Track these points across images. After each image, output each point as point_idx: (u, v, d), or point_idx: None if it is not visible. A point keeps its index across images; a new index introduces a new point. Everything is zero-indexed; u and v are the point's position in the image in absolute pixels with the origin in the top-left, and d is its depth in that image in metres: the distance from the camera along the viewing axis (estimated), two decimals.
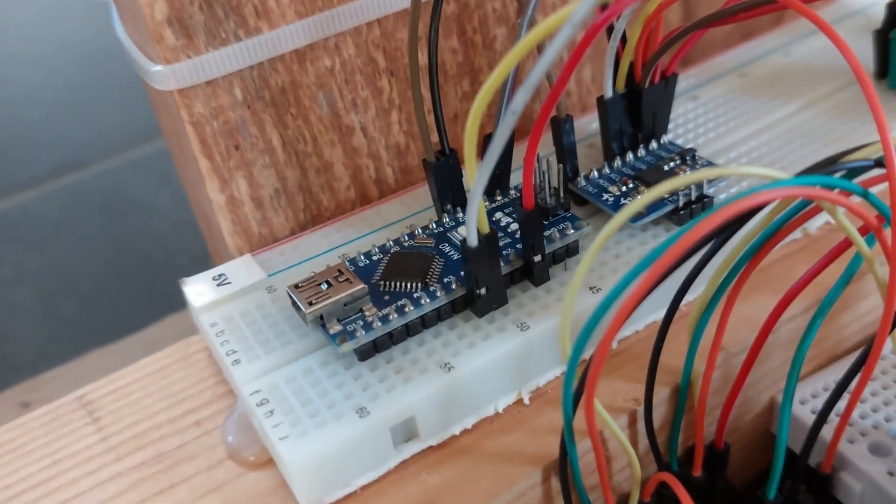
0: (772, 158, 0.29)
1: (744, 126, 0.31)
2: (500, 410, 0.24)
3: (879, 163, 0.19)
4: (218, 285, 0.27)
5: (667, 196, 0.26)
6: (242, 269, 0.27)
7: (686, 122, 0.32)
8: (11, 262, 0.69)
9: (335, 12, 0.26)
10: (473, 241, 0.22)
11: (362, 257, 0.25)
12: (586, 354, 0.24)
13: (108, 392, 0.27)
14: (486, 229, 0.22)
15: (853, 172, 0.19)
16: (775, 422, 0.28)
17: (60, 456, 0.25)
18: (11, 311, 0.65)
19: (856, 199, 0.19)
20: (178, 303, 0.29)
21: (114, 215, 0.74)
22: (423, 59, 0.27)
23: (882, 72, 0.32)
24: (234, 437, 0.24)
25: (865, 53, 0.32)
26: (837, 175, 0.19)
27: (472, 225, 0.22)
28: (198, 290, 0.26)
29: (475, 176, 0.20)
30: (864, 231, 0.20)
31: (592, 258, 0.19)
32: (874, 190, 0.19)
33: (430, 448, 0.23)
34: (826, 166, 0.19)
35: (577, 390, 0.20)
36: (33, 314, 0.64)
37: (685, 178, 0.18)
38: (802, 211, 0.20)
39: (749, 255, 0.21)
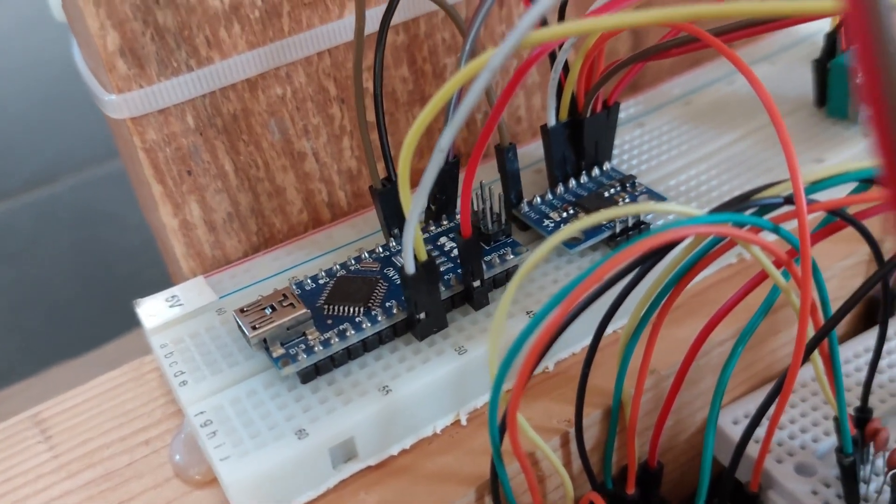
0: (709, 187, 0.30)
1: (686, 154, 0.32)
2: (438, 431, 0.25)
3: (789, 200, 0.20)
4: (170, 307, 0.27)
5: (605, 223, 0.27)
6: (194, 291, 0.28)
7: (631, 149, 0.33)
8: None
9: (286, 43, 0.27)
10: (411, 269, 0.23)
11: (309, 281, 0.26)
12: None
13: (61, 411, 0.27)
14: (423, 257, 0.23)
15: (765, 209, 0.20)
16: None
17: (12, 474, 0.25)
18: None
19: (769, 235, 0.20)
20: None
21: (85, 229, 0.74)
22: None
23: (821, 100, 0.33)
24: (180, 457, 0.25)
25: (807, 81, 0.34)
26: (749, 212, 0.20)
27: (409, 253, 0.23)
28: (151, 311, 0.27)
29: (409, 208, 0.21)
30: (780, 264, 0.22)
31: (516, 286, 0.19)
32: (787, 225, 0.20)
33: (369, 468, 0.24)
34: (738, 203, 0.20)
35: (504, 413, 0.21)
36: (2, 327, 0.65)
37: (598, 216, 0.19)
38: (721, 243, 0.21)
39: (672, 284, 0.22)
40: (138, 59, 0.25)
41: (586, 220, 0.19)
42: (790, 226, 0.20)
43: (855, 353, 0.30)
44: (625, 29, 0.26)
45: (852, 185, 0.21)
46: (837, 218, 0.21)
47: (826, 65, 0.32)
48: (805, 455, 0.27)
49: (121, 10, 0.24)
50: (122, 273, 0.68)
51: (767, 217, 0.20)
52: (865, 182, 0.21)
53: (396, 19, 0.29)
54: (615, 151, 0.32)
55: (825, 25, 0.34)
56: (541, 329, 0.18)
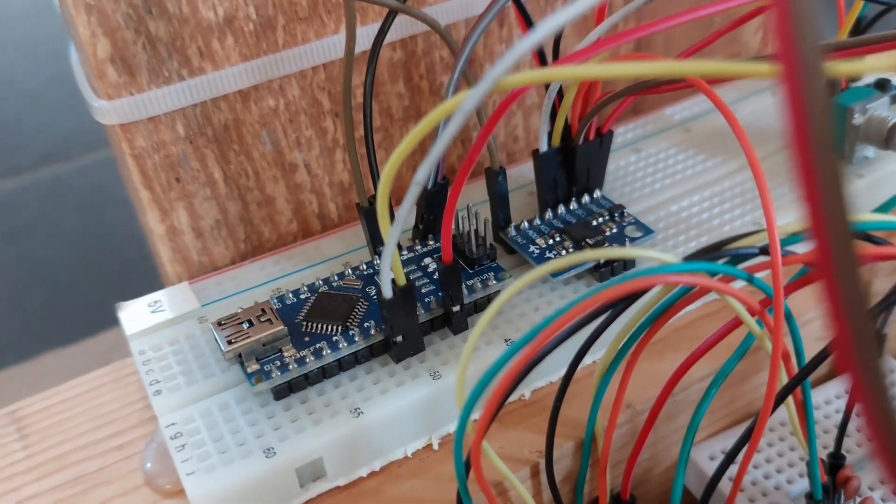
0: (700, 220, 0.30)
1: (680, 183, 0.32)
2: (409, 455, 0.25)
3: (765, 250, 0.20)
4: (152, 312, 0.27)
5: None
6: (178, 298, 0.28)
7: (625, 175, 0.32)
8: None
9: (280, 56, 0.27)
10: (388, 294, 0.23)
11: (291, 295, 0.26)
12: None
13: (40, 409, 0.28)
14: (402, 282, 0.23)
15: (739, 258, 0.20)
16: (687, 475, 0.29)
17: None
18: None
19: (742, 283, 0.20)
20: None
21: (92, 210, 0.75)
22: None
23: None
24: (151, 465, 0.25)
25: None
26: (724, 260, 0.20)
27: (386, 279, 0.23)
28: (132, 315, 0.27)
29: (387, 234, 0.21)
30: (753, 312, 0.21)
31: (486, 323, 0.20)
32: (763, 272, 0.20)
33: (337, 488, 0.24)
34: (712, 252, 0.20)
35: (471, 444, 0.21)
36: (3, 305, 0.65)
37: (579, 256, 0.19)
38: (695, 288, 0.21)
39: (648, 324, 0.22)
40: (129, 68, 0.25)
41: (561, 262, 0.19)
42: (767, 272, 0.20)
43: (836, 393, 0.30)
44: (592, 79, 0.26)
45: None
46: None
47: None
48: (778, 496, 0.27)
49: (112, 18, 0.24)
50: (126, 257, 0.68)
51: (743, 265, 0.20)
52: None
53: (394, 37, 0.29)
54: (609, 177, 0.32)
55: None
56: (505, 371, 0.18)
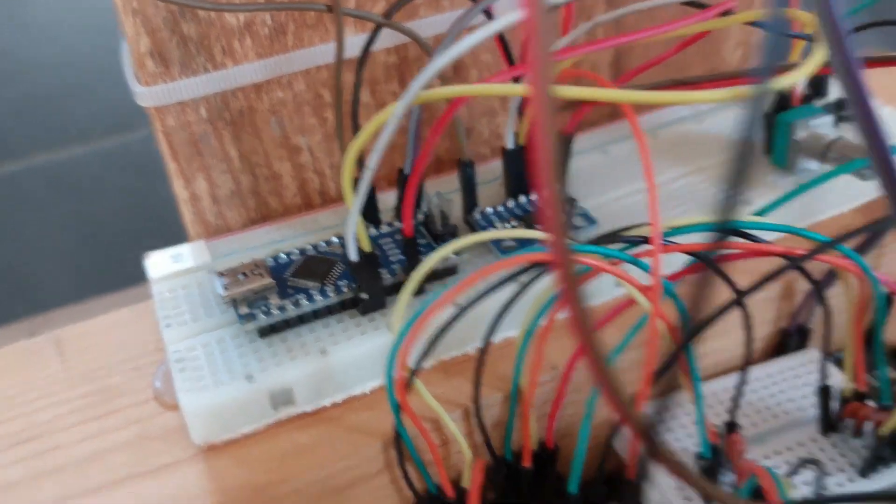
0: (643, 214, 0.34)
1: (634, 181, 0.36)
2: (368, 392, 0.30)
3: (650, 240, 0.24)
4: (173, 262, 0.33)
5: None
6: (195, 252, 0.33)
7: (589, 174, 0.37)
8: (53, 209, 0.78)
9: (289, 56, 0.32)
10: (353, 257, 0.28)
11: (284, 256, 0.32)
12: (447, 356, 0.30)
13: (78, 334, 0.34)
14: (367, 249, 0.28)
15: (632, 244, 0.25)
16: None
17: (31, 385, 0.31)
18: (45, 253, 0.73)
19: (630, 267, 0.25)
20: None
21: (150, 178, 0.81)
22: (368, 97, 0.34)
23: (768, 149, 0.37)
24: (160, 383, 0.31)
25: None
26: (619, 246, 0.25)
27: (352, 245, 0.28)
28: (156, 262, 0.33)
29: (351, 208, 0.26)
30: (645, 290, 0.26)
31: (421, 276, 0.25)
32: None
33: (304, 413, 0.29)
34: (608, 239, 0.24)
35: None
36: (64, 258, 0.72)
37: (480, 237, 0.24)
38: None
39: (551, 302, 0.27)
40: (164, 61, 0.30)
41: (468, 240, 0.24)
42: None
43: (767, 373, 0.34)
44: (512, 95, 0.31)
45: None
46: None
47: (773, 119, 0.36)
48: (683, 456, 0.31)
49: (154, 21, 0.29)
50: (176, 223, 0.75)
51: (633, 251, 0.25)
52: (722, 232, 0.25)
53: (388, 43, 0.34)
54: (575, 173, 0.36)
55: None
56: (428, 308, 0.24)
